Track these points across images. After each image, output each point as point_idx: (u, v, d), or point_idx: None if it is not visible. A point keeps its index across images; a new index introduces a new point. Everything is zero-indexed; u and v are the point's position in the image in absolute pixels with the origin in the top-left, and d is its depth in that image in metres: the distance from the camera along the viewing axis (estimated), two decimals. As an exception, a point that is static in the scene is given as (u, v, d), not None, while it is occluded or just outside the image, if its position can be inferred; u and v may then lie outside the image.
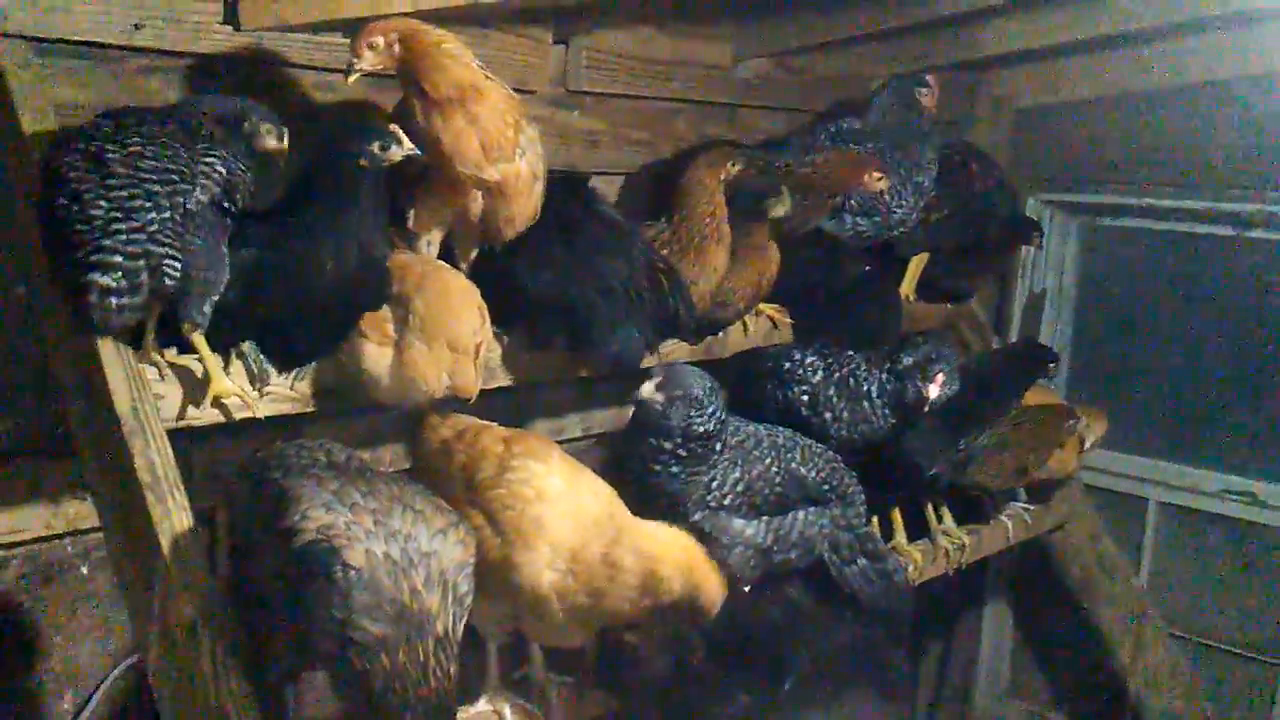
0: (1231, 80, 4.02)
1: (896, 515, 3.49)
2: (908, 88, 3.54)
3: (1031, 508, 4.01)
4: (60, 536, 2.61)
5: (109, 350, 2.05)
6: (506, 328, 2.71)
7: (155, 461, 2.01)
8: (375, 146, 2.19)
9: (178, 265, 1.98)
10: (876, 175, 3.32)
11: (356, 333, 2.33)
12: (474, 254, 2.66)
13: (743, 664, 2.58)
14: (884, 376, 3.13)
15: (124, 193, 1.95)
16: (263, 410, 2.25)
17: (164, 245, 1.96)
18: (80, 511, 2.55)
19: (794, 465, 2.90)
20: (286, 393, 2.32)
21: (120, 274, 1.90)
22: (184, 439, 2.16)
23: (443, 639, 1.79)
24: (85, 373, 2.08)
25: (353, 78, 2.33)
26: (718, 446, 2.74)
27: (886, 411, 3.12)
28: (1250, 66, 3.91)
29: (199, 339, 2.12)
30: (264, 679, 1.96)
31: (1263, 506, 4.34)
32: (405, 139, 2.22)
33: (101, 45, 2.40)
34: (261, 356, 2.28)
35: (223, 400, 2.15)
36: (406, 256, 2.47)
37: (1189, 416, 4.56)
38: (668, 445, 2.67)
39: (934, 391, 3.02)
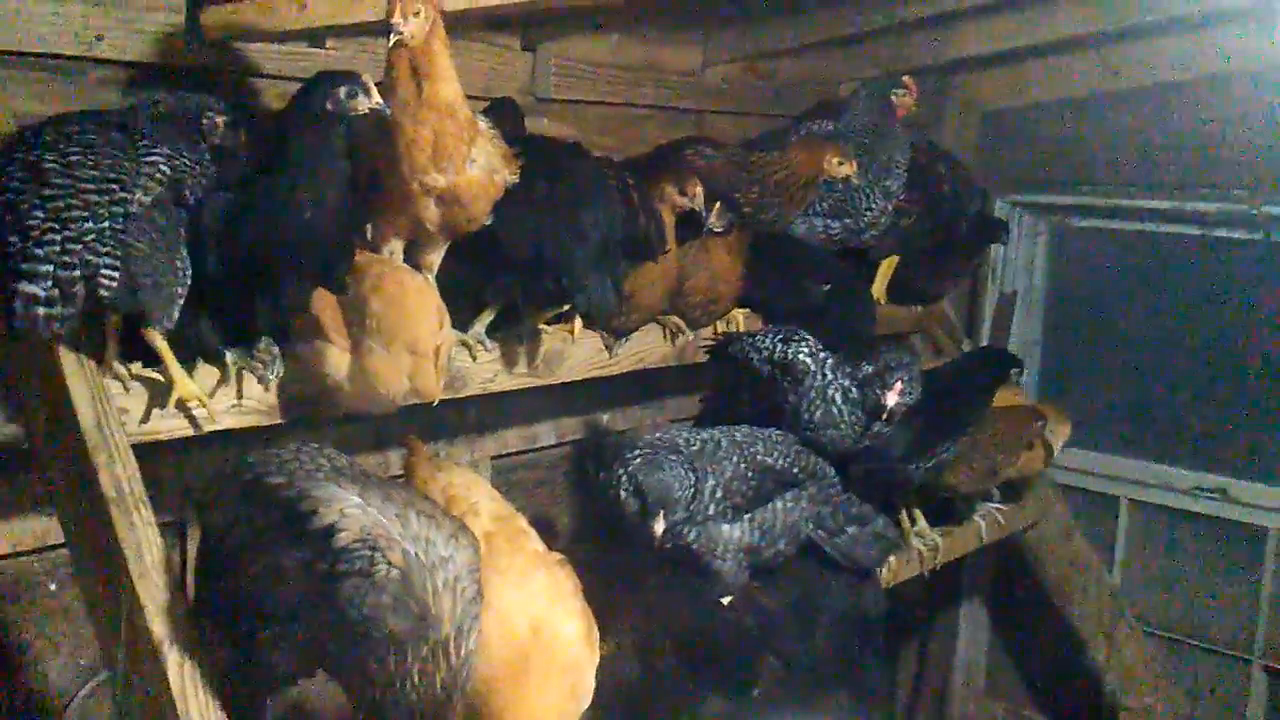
0: (1196, 81, 4.06)
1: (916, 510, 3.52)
2: (882, 91, 3.56)
3: (1004, 507, 4.02)
4: (27, 553, 2.58)
5: (71, 364, 2.03)
6: (493, 283, 2.71)
7: (120, 476, 1.99)
8: (342, 92, 2.16)
9: (116, 274, 1.95)
10: (836, 159, 3.31)
11: (319, 337, 2.31)
12: (438, 261, 2.65)
13: (713, 668, 2.57)
14: (847, 384, 3.13)
15: (60, 203, 1.94)
16: (229, 421, 2.24)
17: (100, 255, 1.94)
18: (47, 528, 2.52)
19: (759, 457, 2.91)
20: (254, 405, 2.31)
21: (51, 283, 1.89)
22: (150, 453, 2.13)
23: (449, 640, 1.81)
24: (48, 387, 2.06)
25: (394, 40, 2.26)
26: (701, 482, 2.75)
27: (853, 417, 3.12)
28: (1214, 68, 3.96)
29: (160, 341, 2.09)
30: (249, 689, 1.94)
31: (1234, 503, 4.37)
32: (374, 91, 2.19)
33: (61, 56, 2.39)
34: (254, 363, 2.27)
35: (187, 403, 2.13)
36: (364, 257, 2.42)
37: (1159, 414, 4.60)
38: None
39: (892, 400, 3.02)
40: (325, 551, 1.77)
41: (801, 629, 2.90)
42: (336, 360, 2.31)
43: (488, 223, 2.57)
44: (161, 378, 2.15)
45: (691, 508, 2.71)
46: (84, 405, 2.01)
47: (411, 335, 2.26)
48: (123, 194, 2.00)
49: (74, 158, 1.99)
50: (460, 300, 2.73)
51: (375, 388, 2.30)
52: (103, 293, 1.94)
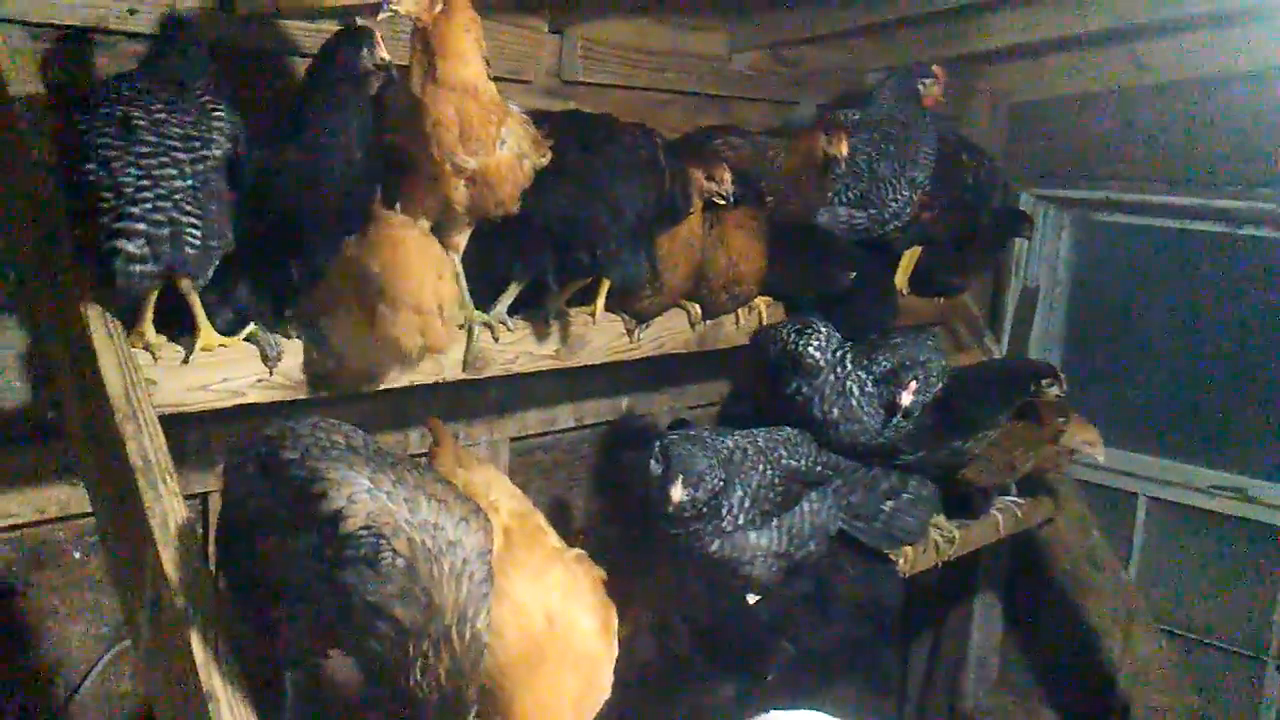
0: (1224, 77, 4.02)
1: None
2: (909, 80, 3.54)
3: (1022, 501, 4.02)
4: (51, 521, 2.61)
5: (101, 335, 2.05)
6: (522, 258, 2.73)
7: (147, 447, 2.01)
8: (354, 50, 2.21)
9: (198, 232, 2.01)
10: (826, 138, 3.27)
11: (337, 307, 2.35)
12: (464, 242, 2.65)
13: (727, 654, 2.59)
14: (864, 377, 3.12)
15: (153, 160, 1.99)
16: (255, 395, 2.26)
17: (187, 213, 2.00)
18: (71, 496, 2.55)
19: (784, 461, 2.92)
20: (280, 380, 2.33)
21: (144, 241, 1.95)
22: (177, 425, 2.15)
23: (451, 629, 1.80)
24: (77, 357, 2.08)
25: (383, 15, 2.28)
26: (731, 486, 2.79)
27: (872, 410, 3.12)
28: (1243, 63, 3.92)
29: (194, 294, 2.13)
30: (265, 665, 1.96)
31: (1252, 502, 4.35)
32: (381, 47, 2.22)
33: (97, 30, 2.40)
34: (272, 336, 2.30)
35: (208, 350, 2.18)
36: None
37: (1180, 412, 4.58)
38: (689, 517, 2.73)
39: (907, 399, 3.02)
40: (331, 537, 1.77)
41: (817, 616, 2.91)
42: (354, 326, 2.34)
43: (514, 210, 2.57)
44: (183, 349, 2.18)
45: (722, 514, 2.73)
46: (112, 375, 2.03)
47: (413, 294, 2.29)
48: (203, 151, 2.05)
49: (159, 115, 2.04)
50: (487, 276, 2.75)
51: (389, 348, 2.33)
52: (188, 250, 2.00)
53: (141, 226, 1.95)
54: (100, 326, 2.06)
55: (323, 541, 1.78)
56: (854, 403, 3.11)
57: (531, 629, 2.09)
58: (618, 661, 2.20)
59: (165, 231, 1.97)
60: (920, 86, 3.52)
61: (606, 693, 2.15)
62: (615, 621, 2.23)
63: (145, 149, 1.99)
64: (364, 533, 1.76)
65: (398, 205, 2.56)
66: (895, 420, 3.08)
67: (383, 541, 1.77)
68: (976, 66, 4.43)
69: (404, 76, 2.41)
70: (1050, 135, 4.52)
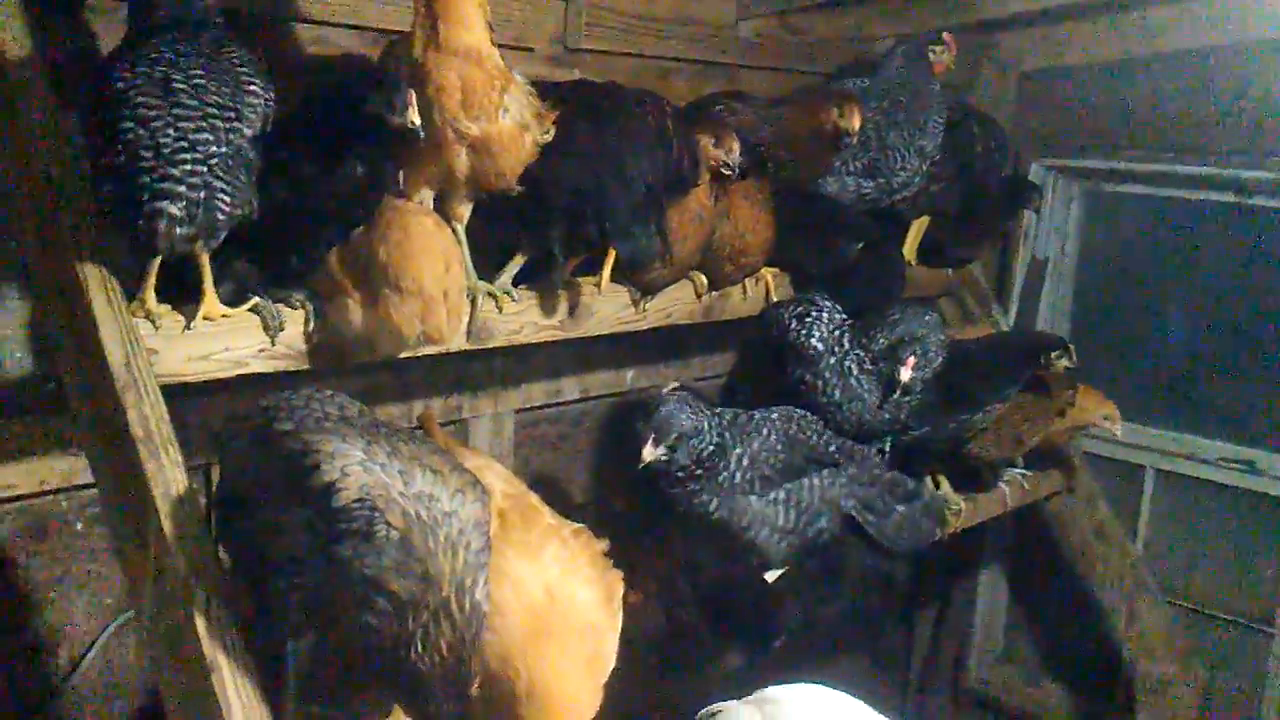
0: (1236, 45, 3.97)
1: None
2: (919, 48, 3.49)
3: (1029, 474, 4.00)
4: (54, 492, 2.60)
5: (102, 304, 2.03)
6: (529, 231, 2.72)
7: (148, 416, 1.99)
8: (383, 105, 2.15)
9: (228, 199, 2.01)
10: (838, 110, 3.21)
11: (336, 287, 2.33)
12: (469, 211, 2.63)
13: (733, 623, 2.58)
14: (862, 355, 3.11)
15: (190, 124, 1.98)
16: (258, 366, 2.24)
17: (220, 179, 2.00)
18: (74, 467, 2.54)
19: (793, 431, 2.91)
20: (283, 350, 2.31)
21: (184, 203, 1.95)
22: (178, 395, 2.14)
23: (450, 600, 1.79)
24: (78, 327, 2.06)
25: None
26: (727, 448, 2.79)
27: (872, 385, 3.10)
28: (1255, 32, 3.87)
29: (204, 258, 2.12)
30: (267, 636, 1.95)
31: (1260, 475, 4.32)
32: (412, 108, 2.15)
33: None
34: (275, 307, 2.28)
35: (210, 319, 2.17)
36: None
37: (1189, 384, 4.55)
38: (684, 477, 2.77)
39: (906, 374, 3.01)
40: (325, 510, 1.75)
41: (823, 588, 2.90)
42: (353, 308, 2.33)
43: (513, 185, 2.54)
44: (185, 318, 2.16)
45: (719, 476, 2.73)
46: (113, 345, 2.01)
47: (418, 280, 2.27)
48: (237, 121, 2.05)
49: (198, 80, 2.03)
50: (494, 246, 2.73)
51: (390, 332, 2.32)
52: (219, 216, 2.00)
53: (182, 189, 1.95)
54: (101, 295, 2.04)
55: (317, 514, 1.76)
56: (854, 381, 3.11)
57: (532, 604, 2.08)
58: (625, 631, 2.19)
59: (201, 195, 1.97)
60: (931, 54, 3.48)
61: (612, 661, 2.14)
62: (619, 592, 2.22)
63: (184, 112, 1.99)
64: (357, 506, 1.75)
65: (400, 174, 2.53)
66: (896, 396, 3.06)
67: (377, 514, 1.75)
68: (987, 35, 4.38)
69: (406, 41, 2.38)
70: (1060, 105, 4.47)
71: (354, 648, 1.86)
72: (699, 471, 2.77)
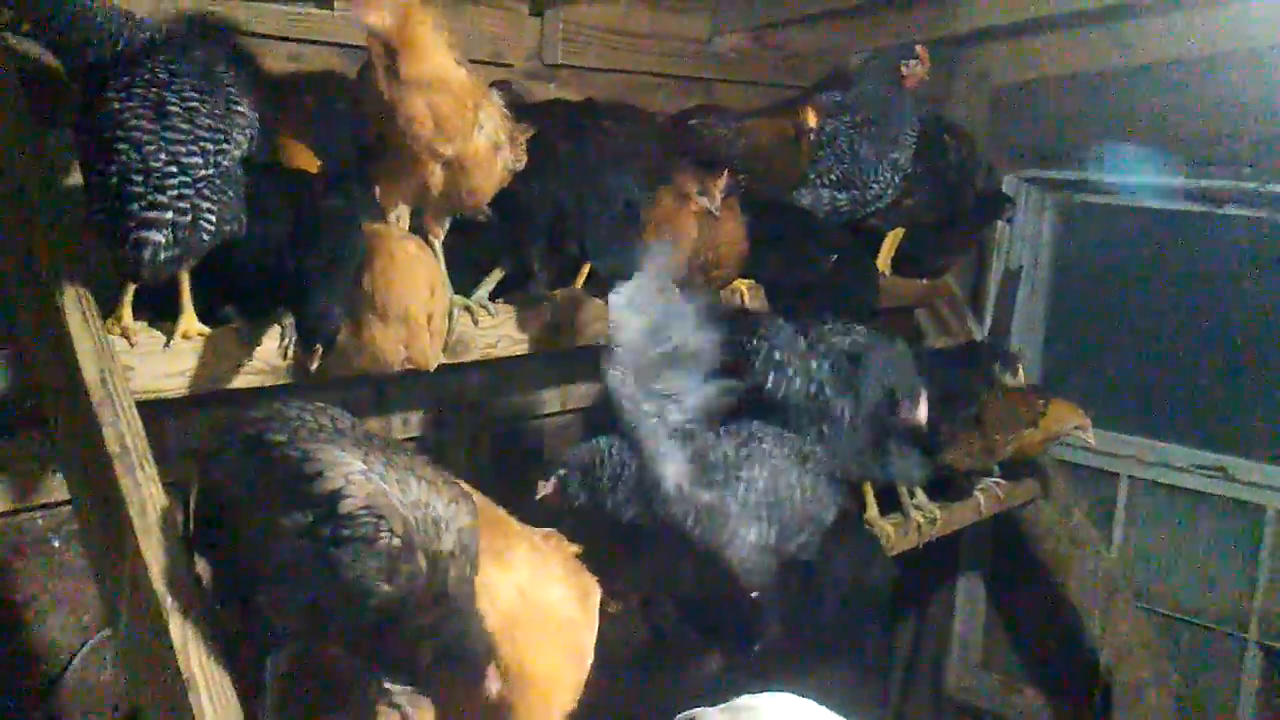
0: (1208, 56, 4.03)
1: (868, 489, 3.51)
2: (891, 61, 3.53)
3: (1004, 482, 4.03)
4: (31, 509, 2.59)
5: (77, 321, 2.04)
6: (509, 246, 2.74)
7: (124, 433, 2.00)
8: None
9: (213, 220, 2.03)
10: (795, 114, 3.26)
11: None
12: (445, 228, 2.64)
13: (716, 623, 2.59)
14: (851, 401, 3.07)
15: (182, 148, 2.01)
16: (235, 380, 2.25)
17: (207, 199, 2.02)
18: (51, 484, 2.53)
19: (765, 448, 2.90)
20: (259, 365, 2.31)
21: (170, 229, 1.96)
22: (154, 411, 2.14)
23: (453, 598, 1.84)
24: (53, 343, 2.06)
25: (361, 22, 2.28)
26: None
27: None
28: (1225, 43, 3.93)
29: (185, 278, 2.15)
30: (252, 648, 1.96)
31: (1233, 481, 4.37)
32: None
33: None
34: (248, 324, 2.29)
35: (188, 338, 2.18)
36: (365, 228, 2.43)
37: (1161, 392, 4.59)
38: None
39: (923, 413, 2.97)
40: (329, 517, 1.77)
41: (804, 595, 2.90)
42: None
43: (485, 206, 2.56)
44: (162, 334, 2.17)
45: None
46: (88, 361, 2.02)
47: (402, 306, 2.29)
48: (225, 143, 2.08)
49: (192, 103, 2.06)
50: (473, 263, 2.74)
51: (373, 356, 2.33)
52: (204, 237, 2.02)
53: (169, 216, 1.97)
54: (76, 312, 2.05)
55: (318, 522, 1.78)
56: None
57: (505, 605, 2.09)
58: (604, 636, 2.21)
59: (187, 219, 1.99)
60: (903, 67, 3.51)
61: (590, 656, 2.15)
62: (595, 591, 2.24)
63: (176, 135, 2.01)
64: (364, 513, 1.78)
65: (376, 189, 2.54)
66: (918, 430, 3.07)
67: (381, 521, 1.78)
68: (960, 48, 4.43)
69: (370, 74, 2.37)
70: (1033, 117, 4.52)
71: (356, 649, 1.90)
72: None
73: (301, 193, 2.34)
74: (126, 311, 2.13)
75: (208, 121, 2.07)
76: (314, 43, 2.86)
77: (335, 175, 2.51)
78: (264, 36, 2.77)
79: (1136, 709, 4.21)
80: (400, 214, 2.58)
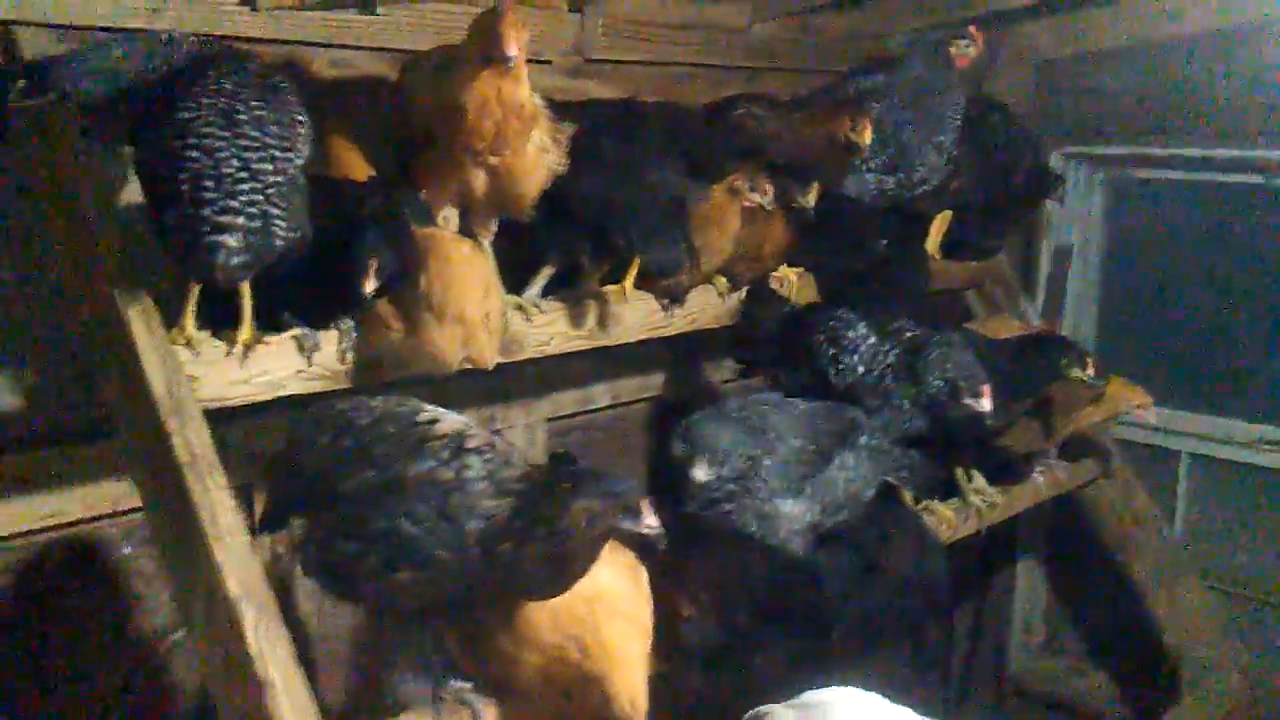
0: (1256, 25, 3.95)
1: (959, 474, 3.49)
2: (938, 43, 3.48)
3: (1063, 464, 3.99)
4: (102, 518, 2.65)
5: (143, 333, 2.08)
6: (556, 242, 2.77)
7: (192, 441, 2.04)
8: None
9: (283, 226, 2.06)
10: (848, 123, 3.16)
11: (378, 316, 2.37)
12: (492, 229, 2.66)
13: (788, 613, 2.59)
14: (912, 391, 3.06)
15: (253, 154, 2.04)
16: (295, 387, 2.29)
17: (276, 205, 2.05)
18: (121, 492, 2.58)
19: (816, 422, 2.91)
20: (319, 371, 2.35)
21: (242, 234, 1.99)
22: (220, 419, 2.18)
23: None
24: (121, 356, 2.10)
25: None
26: (758, 460, 2.77)
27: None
28: (1275, 10, 3.84)
29: (246, 287, 2.17)
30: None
31: (1297, 455, 4.30)
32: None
33: (122, 30, 2.41)
34: (308, 331, 2.32)
35: (248, 347, 2.21)
36: (417, 231, 2.45)
37: (1221, 367, 4.52)
38: (719, 497, 2.72)
39: (988, 403, 2.95)
40: (456, 455, 1.92)
41: (863, 591, 2.89)
42: (394, 335, 2.38)
43: (527, 210, 2.58)
44: (224, 343, 2.21)
45: (750, 485, 2.71)
46: (156, 373, 2.06)
47: (459, 306, 2.32)
48: (290, 151, 2.12)
49: (259, 111, 2.10)
50: (522, 260, 2.76)
51: (432, 357, 2.36)
52: (277, 244, 2.05)
53: (241, 220, 2.00)
54: (142, 325, 2.08)
55: (440, 465, 1.92)
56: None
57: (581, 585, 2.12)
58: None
59: (259, 224, 2.02)
60: (954, 48, 3.46)
61: (649, 633, 2.18)
62: (643, 573, 2.25)
63: (247, 143, 2.05)
64: (487, 448, 1.95)
65: (421, 189, 2.57)
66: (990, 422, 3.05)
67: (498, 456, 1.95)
68: (1004, 24, 4.37)
69: (448, 78, 2.38)
70: (1081, 92, 4.45)
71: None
72: (734, 488, 2.74)
73: (344, 200, 2.37)
74: (190, 322, 2.18)
75: (275, 129, 2.10)
76: (358, 48, 2.88)
77: (383, 181, 2.53)
78: (308, 44, 2.80)
79: (1205, 689, 4.14)
80: (449, 217, 2.61)
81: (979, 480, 3.64)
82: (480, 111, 2.34)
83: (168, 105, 2.08)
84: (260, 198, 2.03)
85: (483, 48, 2.30)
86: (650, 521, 1.89)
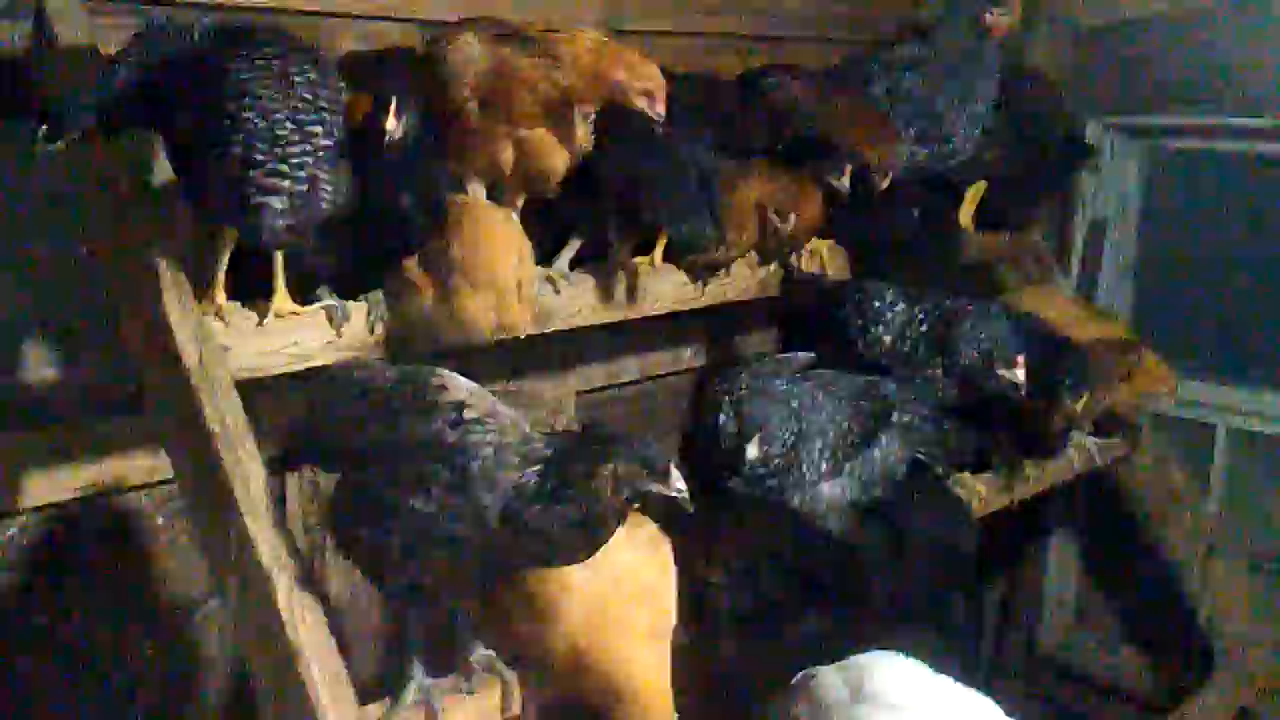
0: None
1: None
2: (971, 11, 3.43)
3: (1098, 439, 3.95)
4: (136, 489, 2.67)
5: (175, 304, 2.09)
6: (585, 214, 2.78)
7: (224, 411, 2.04)
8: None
9: (330, 191, 2.05)
10: (872, 151, 3.19)
11: (410, 284, 2.36)
12: (521, 203, 2.65)
13: (822, 584, 2.58)
14: (944, 362, 3.04)
15: (305, 117, 2.03)
16: (325, 358, 2.29)
17: (324, 170, 2.04)
18: (154, 464, 2.61)
19: (857, 400, 2.89)
20: (348, 342, 2.35)
21: (289, 197, 1.99)
22: (251, 390, 2.19)
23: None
24: (152, 327, 2.11)
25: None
26: (804, 437, 2.76)
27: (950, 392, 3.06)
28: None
29: (279, 256, 2.18)
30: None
31: (1336, 430, 4.24)
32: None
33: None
34: (340, 301, 2.33)
35: (280, 315, 2.22)
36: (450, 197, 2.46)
37: (1258, 340, 4.45)
38: (764, 474, 2.71)
39: (1021, 373, 2.94)
40: (457, 423, 1.88)
41: (893, 561, 2.89)
42: (426, 303, 2.37)
43: (555, 187, 2.58)
44: (255, 314, 2.22)
45: (792, 468, 2.70)
46: (188, 344, 2.06)
47: (491, 272, 2.31)
48: (340, 117, 2.11)
49: (311, 74, 2.09)
50: (550, 232, 2.75)
51: (465, 325, 2.35)
52: (323, 206, 2.04)
53: (287, 184, 1.99)
54: (172, 295, 2.09)
55: (445, 428, 1.89)
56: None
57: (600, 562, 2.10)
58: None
59: (305, 188, 2.02)
60: (987, 17, 3.40)
61: (673, 618, 2.16)
62: (665, 547, 2.23)
63: (301, 105, 2.04)
64: (488, 419, 1.91)
65: (450, 164, 2.56)
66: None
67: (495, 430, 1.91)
68: (1040, -7, 4.30)
69: (513, 54, 2.42)
70: (1117, 61, 4.38)
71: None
72: (779, 465, 2.73)
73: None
74: (220, 292, 2.18)
75: (327, 93, 2.09)
76: (385, 19, 2.87)
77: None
78: (334, 15, 2.79)
79: (1239, 665, 4.11)
80: (476, 190, 2.60)
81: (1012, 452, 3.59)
82: (542, 101, 2.39)
83: (216, 72, 2.05)
84: (310, 159, 2.02)
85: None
86: (679, 485, 1.88)
